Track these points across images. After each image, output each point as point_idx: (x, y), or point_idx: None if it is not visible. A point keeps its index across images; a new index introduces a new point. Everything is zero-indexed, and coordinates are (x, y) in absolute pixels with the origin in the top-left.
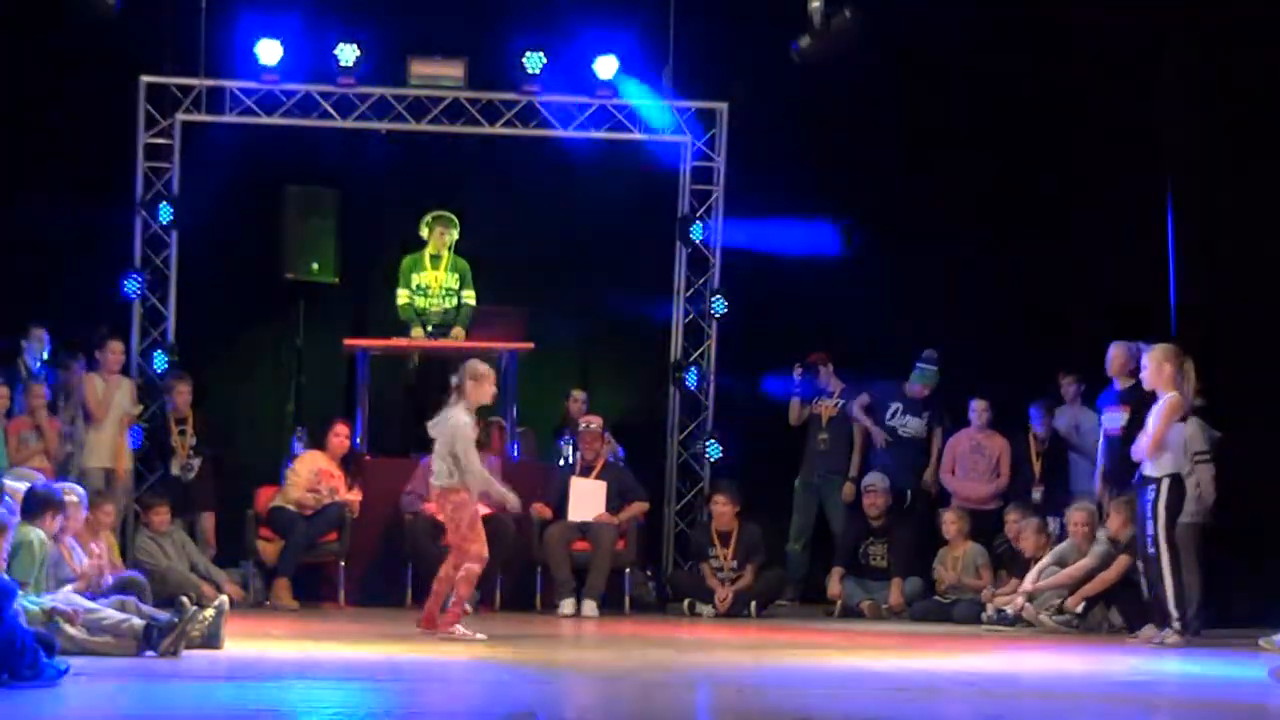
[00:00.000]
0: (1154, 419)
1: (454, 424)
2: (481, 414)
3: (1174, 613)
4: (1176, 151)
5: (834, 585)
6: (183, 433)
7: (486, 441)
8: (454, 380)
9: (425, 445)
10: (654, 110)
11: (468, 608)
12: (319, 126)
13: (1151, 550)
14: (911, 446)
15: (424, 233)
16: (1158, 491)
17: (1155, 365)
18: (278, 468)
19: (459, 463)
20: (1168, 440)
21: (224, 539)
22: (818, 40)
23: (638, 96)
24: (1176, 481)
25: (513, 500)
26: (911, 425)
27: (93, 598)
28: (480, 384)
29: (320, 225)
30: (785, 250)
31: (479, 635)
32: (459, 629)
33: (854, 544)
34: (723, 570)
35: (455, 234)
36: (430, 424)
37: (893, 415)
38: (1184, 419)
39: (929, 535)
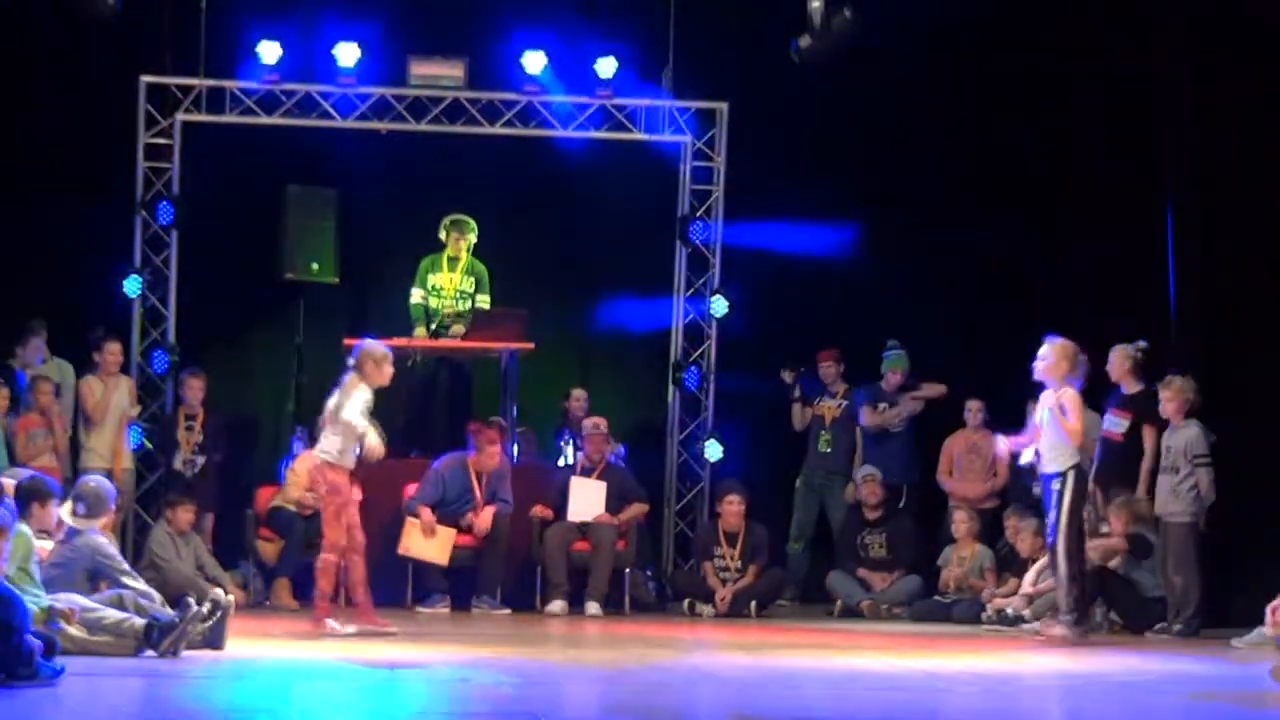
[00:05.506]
0: (1070, 414)
1: (350, 393)
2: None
3: (1064, 604)
4: (1177, 153)
5: (831, 582)
6: (190, 429)
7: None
8: (351, 362)
9: (427, 448)
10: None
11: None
12: (319, 126)
13: (1051, 539)
14: (899, 440)
15: (442, 236)
16: (1064, 482)
17: (1054, 359)
18: (278, 468)
19: (340, 416)
20: (1072, 432)
21: (224, 539)
22: (818, 40)
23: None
24: (1080, 473)
25: (379, 451)
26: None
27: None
28: (380, 365)
29: (320, 225)
30: (785, 250)
31: (391, 628)
32: (329, 623)
33: (852, 535)
34: (727, 570)
35: (473, 237)
36: (329, 402)
37: None
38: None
39: (929, 532)
